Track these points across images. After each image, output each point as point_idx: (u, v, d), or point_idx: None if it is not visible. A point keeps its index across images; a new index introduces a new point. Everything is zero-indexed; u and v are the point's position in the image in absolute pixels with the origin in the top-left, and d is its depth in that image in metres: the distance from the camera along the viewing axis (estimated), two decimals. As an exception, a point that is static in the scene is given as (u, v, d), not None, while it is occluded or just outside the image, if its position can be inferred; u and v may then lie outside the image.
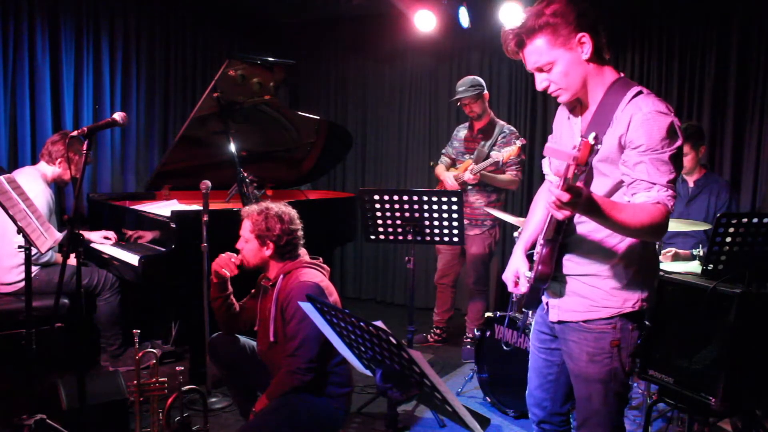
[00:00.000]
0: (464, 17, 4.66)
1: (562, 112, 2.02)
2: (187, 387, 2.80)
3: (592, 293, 1.86)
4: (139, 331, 2.76)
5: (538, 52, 1.76)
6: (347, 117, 6.14)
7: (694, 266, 3.23)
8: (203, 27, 5.56)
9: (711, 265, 2.56)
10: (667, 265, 3.34)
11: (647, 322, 1.92)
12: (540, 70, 1.79)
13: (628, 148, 1.72)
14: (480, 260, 4.42)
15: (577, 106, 1.91)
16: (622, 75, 1.84)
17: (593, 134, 1.56)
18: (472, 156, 4.35)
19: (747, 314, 2.28)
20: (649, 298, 1.86)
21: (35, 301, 2.80)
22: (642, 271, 1.85)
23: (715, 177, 3.76)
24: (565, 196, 1.49)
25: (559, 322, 1.93)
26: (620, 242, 1.83)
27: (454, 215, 3.27)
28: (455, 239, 3.36)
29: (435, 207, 3.27)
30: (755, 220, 2.55)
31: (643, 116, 1.69)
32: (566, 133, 1.96)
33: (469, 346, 4.48)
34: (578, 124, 1.89)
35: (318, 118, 4.62)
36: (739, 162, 4.40)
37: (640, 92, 1.75)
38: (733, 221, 2.54)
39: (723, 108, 4.42)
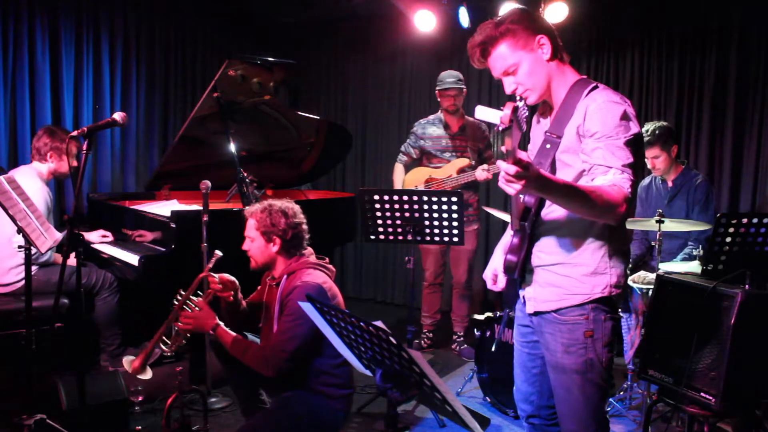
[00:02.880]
0: (464, 17, 4.66)
1: (534, 118, 2.12)
2: (187, 387, 2.80)
3: (563, 282, 1.92)
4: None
5: (502, 56, 1.88)
6: (347, 117, 6.14)
7: (694, 266, 3.23)
8: (203, 27, 5.56)
9: (711, 265, 2.56)
10: (667, 265, 3.35)
11: (617, 315, 1.97)
12: (507, 73, 1.91)
13: (585, 136, 1.81)
14: (473, 258, 4.48)
15: (546, 109, 2.01)
16: (584, 76, 1.95)
17: (518, 96, 1.68)
18: (454, 155, 4.35)
19: (747, 314, 2.28)
20: (620, 284, 1.91)
21: (35, 301, 2.80)
22: (610, 257, 1.90)
23: (693, 174, 3.75)
24: (512, 169, 1.52)
25: (536, 314, 1.99)
26: (588, 229, 1.89)
27: (454, 215, 3.28)
28: (455, 239, 3.36)
29: (435, 207, 3.27)
30: (755, 220, 2.56)
31: (596, 106, 1.80)
32: (537, 136, 2.05)
33: (466, 346, 4.48)
34: (547, 124, 1.98)
35: (318, 118, 4.62)
36: (739, 162, 4.40)
37: (596, 87, 1.86)
38: (733, 221, 2.54)
39: (723, 108, 4.42)
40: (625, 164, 1.75)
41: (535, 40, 1.87)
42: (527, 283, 2.01)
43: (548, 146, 1.89)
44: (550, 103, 1.97)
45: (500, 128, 1.56)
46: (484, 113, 1.70)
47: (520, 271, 1.97)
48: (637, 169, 1.79)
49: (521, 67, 1.88)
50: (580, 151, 1.84)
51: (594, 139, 1.79)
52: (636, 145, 1.79)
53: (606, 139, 1.76)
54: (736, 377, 2.31)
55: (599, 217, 1.80)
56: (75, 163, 3.83)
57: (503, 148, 1.59)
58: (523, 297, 2.05)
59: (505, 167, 1.54)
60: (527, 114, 1.75)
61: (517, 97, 1.70)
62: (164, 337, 2.79)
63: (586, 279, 1.89)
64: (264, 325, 2.74)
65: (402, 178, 4.53)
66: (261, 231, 2.63)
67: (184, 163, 4.17)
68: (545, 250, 1.95)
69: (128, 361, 2.73)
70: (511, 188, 1.58)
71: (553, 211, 1.92)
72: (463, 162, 4.32)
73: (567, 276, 1.91)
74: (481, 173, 4.18)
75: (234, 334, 2.60)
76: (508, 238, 2.14)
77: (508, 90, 1.94)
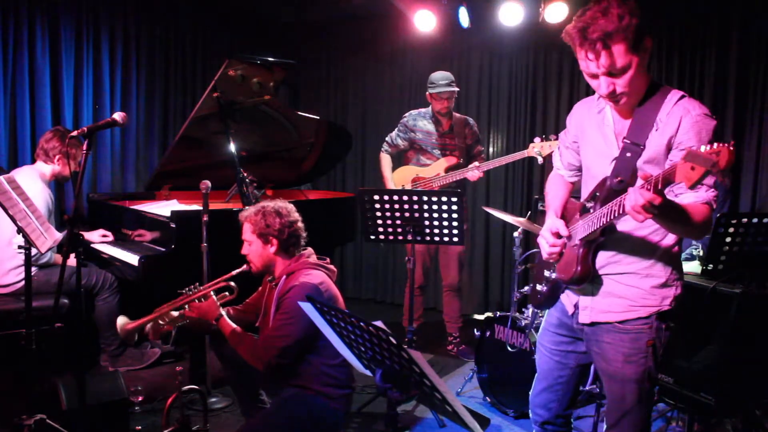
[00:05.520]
0: (464, 17, 4.66)
1: (587, 108, 2.00)
2: (187, 387, 2.80)
3: (629, 293, 1.86)
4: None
5: (617, 55, 1.69)
6: (347, 117, 6.14)
7: (694, 266, 3.23)
8: (203, 27, 5.56)
9: (711, 265, 2.56)
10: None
11: (673, 324, 1.93)
12: (611, 74, 1.73)
13: (677, 149, 1.74)
14: (463, 258, 4.49)
15: (605, 107, 1.92)
16: (654, 78, 1.86)
17: (731, 141, 1.55)
18: (444, 152, 4.35)
19: (747, 314, 2.29)
20: (681, 295, 1.88)
21: (35, 301, 2.80)
22: (676, 269, 1.88)
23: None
24: (657, 200, 1.49)
25: (592, 324, 1.92)
26: (662, 240, 1.84)
27: (454, 215, 3.28)
28: (455, 239, 3.36)
29: (435, 207, 3.27)
30: (755, 220, 2.56)
31: (692, 119, 1.73)
32: (594, 131, 1.94)
33: (464, 346, 4.48)
34: (611, 126, 1.89)
35: (318, 118, 4.62)
36: (739, 162, 4.39)
37: (683, 96, 1.79)
38: (733, 221, 2.54)
39: (723, 108, 4.42)
40: (714, 181, 1.72)
41: (644, 42, 1.70)
42: (583, 291, 1.94)
43: (628, 154, 1.80)
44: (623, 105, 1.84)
45: (717, 171, 1.40)
46: (694, 157, 1.53)
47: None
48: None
49: (630, 70, 1.71)
50: (666, 163, 1.76)
51: None
52: None
53: None
54: (736, 377, 2.30)
55: (692, 235, 1.78)
56: (77, 168, 3.84)
57: (641, 173, 1.52)
58: (575, 305, 1.97)
59: (649, 197, 1.48)
60: None
61: (731, 142, 1.62)
62: (165, 318, 2.80)
63: (656, 291, 1.85)
64: (261, 324, 2.75)
65: (391, 169, 4.53)
66: (257, 233, 2.63)
67: (184, 163, 4.17)
68: (614, 258, 1.88)
69: (123, 321, 2.77)
70: (642, 216, 1.53)
71: (623, 220, 1.82)
72: (451, 160, 4.32)
73: (635, 287, 1.86)
74: (473, 173, 4.16)
75: (234, 326, 2.62)
76: (555, 207, 2.08)
77: (604, 90, 1.75)
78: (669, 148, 1.76)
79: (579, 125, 2.04)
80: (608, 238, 1.87)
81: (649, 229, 1.83)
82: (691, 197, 1.70)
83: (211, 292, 2.76)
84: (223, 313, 2.67)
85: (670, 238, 1.84)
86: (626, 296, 1.86)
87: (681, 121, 1.73)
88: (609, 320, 1.88)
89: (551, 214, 2.08)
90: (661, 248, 1.85)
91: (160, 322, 2.81)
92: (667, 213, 1.60)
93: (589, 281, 1.91)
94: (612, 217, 1.72)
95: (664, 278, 1.85)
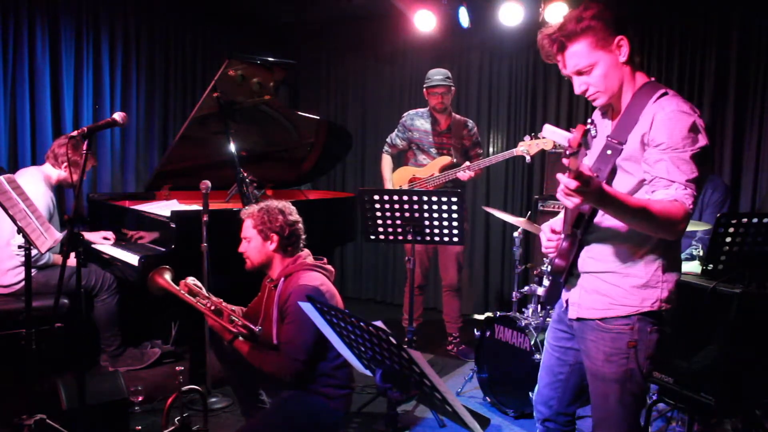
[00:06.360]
0: (464, 17, 4.66)
1: (597, 116, 2.06)
2: (187, 387, 2.80)
3: (611, 291, 1.86)
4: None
5: (578, 55, 1.79)
6: (347, 117, 6.14)
7: (694, 266, 3.23)
8: (203, 27, 5.56)
9: (711, 265, 2.56)
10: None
11: (664, 328, 1.90)
12: (579, 73, 1.82)
13: (650, 146, 1.74)
14: (462, 258, 4.50)
15: (608, 110, 1.94)
16: (652, 79, 1.87)
17: (590, 119, 1.63)
18: (439, 152, 4.36)
19: (747, 314, 2.29)
20: (670, 299, 1.85)
21: (34, 301, 2.80)
22: (664, 271, 1.84)
23: (712, 177, 3.78)
24: (573, 184, 1.50)
25: (578, 320, 1.94)
26: (644, 240, 1.82)
27: (454, 215, 3.28)
28: (455, 239, 3.36)
29: (435, 207, 3.27)
30: (755, 220, 2.56)
31: (665, 115, 1.72)
32: (600, 133, 1.98)
33: (464, 346, 4.48)
34: (608, 127, 1.92)
35: (318, 118, 4.62)
36: (739, 162, 4.40)
37: (665, 93, 1.79)
38: (733, 221, 2.54)
39: (723, 108, 4.42)
40: (689, 179, 1.68)
41: (615, 41, 1.78)
42: (571, 286, 1.96)
43: (609, 152, 1.82)
44: (615, 106, 1.90)
45: (568, 152, 1.48)
46: (551, 133, 1.65)
47: (566, 275, 1.93)
48: (701, 183, 1.72)
49: (597, 68, 1.79)
50: (642, 160, 1.77)
51: (659, 150, 1.72)
52: (702, 158, 1.72)
53: (672, 152, 1.70)
54: (736, 377, 2.31)
55: (657, 233, 1.74)
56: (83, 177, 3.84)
57: (565, 161, 1.53)
58: (566, 301, 2.00)
59: (566, 181, 1.51)
60: (596, 136, 1.70)
61: (588, 120, 1.68)
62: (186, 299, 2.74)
63: (636, 291, 1.84)
64: (262, 326, 2.74)
65: (391, 170, 4.55)
66: (258, 229, 2.64)
67: (184, 163, 4.17)
68: (596, 256, 1.89)
69: (168, 275, 2.73)
70: (570, 201, 1.57)
71: (608, 218, 1.84)
72: (445, 160, 4.32)
73: (616, 285, 1.86)
74: (463, 173, 4.15)
75: (249, 344, 2.59)
76: (555, 218, 2.10)
77: (577, 90, 1.85)
78: (644, 146, 1.77)
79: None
80: (594, 235, 1.89)
81: (627, 228, 1.82)
82: (662, 194, 1.69)
83: (230, 315, 2.68)
84: (236, 333, 2.63)
85: (653, 239, 1.81)
86: (608, 294, 1.87)
87: (654, 118, 1.74)
88: (592, 317, 1.90)
89: (562, 213, 2.10)
90: (644, 248, 1.83)
91: (189, 296, 2.74)
92: (603, 199, 1.59)
93: (574, 277, 1.93)
94: (569, 211, 1.80)
95: (644, 279, 1.83)
